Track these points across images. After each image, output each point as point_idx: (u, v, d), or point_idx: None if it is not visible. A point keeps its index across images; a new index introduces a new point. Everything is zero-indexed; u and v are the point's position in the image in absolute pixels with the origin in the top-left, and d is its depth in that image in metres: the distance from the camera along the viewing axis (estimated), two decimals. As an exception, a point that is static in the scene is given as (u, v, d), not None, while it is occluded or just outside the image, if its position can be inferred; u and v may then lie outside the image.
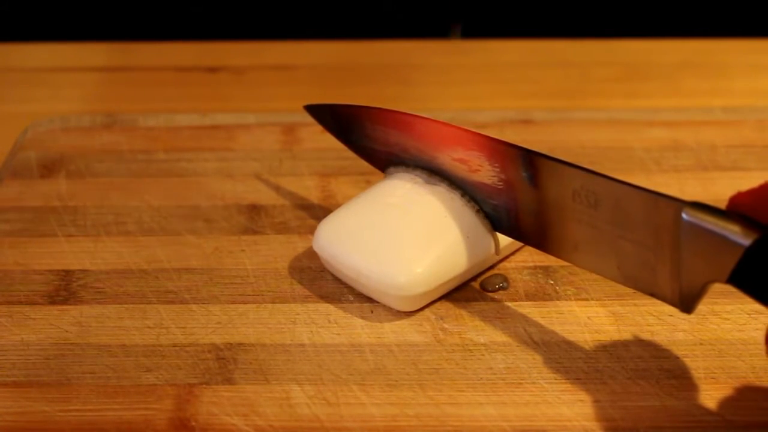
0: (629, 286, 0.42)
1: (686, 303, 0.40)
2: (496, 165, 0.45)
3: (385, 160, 0.50)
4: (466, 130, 0.45)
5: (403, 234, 0.46)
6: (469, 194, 0.47)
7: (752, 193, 0.39)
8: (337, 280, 0.48)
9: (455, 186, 0.47)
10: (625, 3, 0.82)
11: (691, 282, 0.40)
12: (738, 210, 0.39)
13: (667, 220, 0.39)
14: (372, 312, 0.46)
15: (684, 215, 0.39)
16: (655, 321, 0.45)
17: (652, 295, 0.42)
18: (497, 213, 0.46)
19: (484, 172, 0.46)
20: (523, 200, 0.45)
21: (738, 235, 0.37)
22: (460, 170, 0.46)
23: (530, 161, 0.43)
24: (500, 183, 0.45)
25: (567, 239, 0.44)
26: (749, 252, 0.37)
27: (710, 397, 0.42)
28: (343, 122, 0.51)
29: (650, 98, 0.67)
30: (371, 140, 0.50)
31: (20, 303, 0.47)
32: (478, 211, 0.47)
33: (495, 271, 0.49)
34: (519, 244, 0.49)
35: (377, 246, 0.46)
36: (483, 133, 0.45)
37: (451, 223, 0.46)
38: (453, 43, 0.75)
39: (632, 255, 0.41)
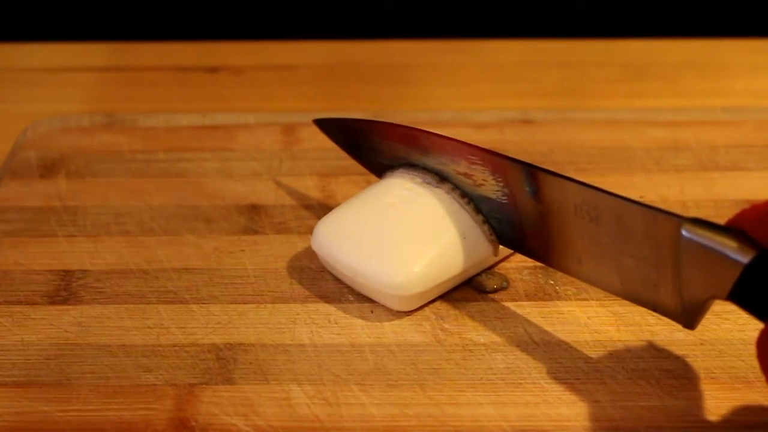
0: (632, 302, 0.43)
1: (688, 319, 0.40)
2: (500, 179, 0.45)
3: (389, 171, 0.50)
4: (470, 145, 0.45)
5: (401, 234, 0.46)
6: (476, 207, 0.47)
7: (756, 209, 0.39)
8: (337, 280, 0.48)
9: (453, 187, 0.47)
10: (625, 3, 0.82)
11: (693, 298, 0.40)
12: (741, 225, 0.39)
13: (666, 236, 0.39)
14: (372, 312, 0.46)
15: (683, 232, 0.39)
16: (655, 321, 0.45)
17: (655, 310, 0.42)
18: (502, 227, 0.46)
19: (488, 186, 0.46)
20: (527, 214, 0.45)
21: (737, 253, 0.37)
22: (466, 184, 0.47)
23: (532, 176, 0.43)
24: (504, 197, 0.45)
25: (570, 254, 0.44)
26: (748, 269, 0.37)
27: (710, 397, 0.42)
28: (350, 135, 0.51)
29: (650, 98, 0.67)
30: (378, 153, 0.50)
31: (20, 303, 0.47)
32: (476, 213, 0.47)
33: (495, 271, 0.49)
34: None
35: (374, 245, 0.46)
36: (486, 146, 0.45)
37: (448, 224, 0.46)
38: (453, 43, 0.74)
39: (634, 270, 0.41)
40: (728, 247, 0.38)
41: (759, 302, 0.38)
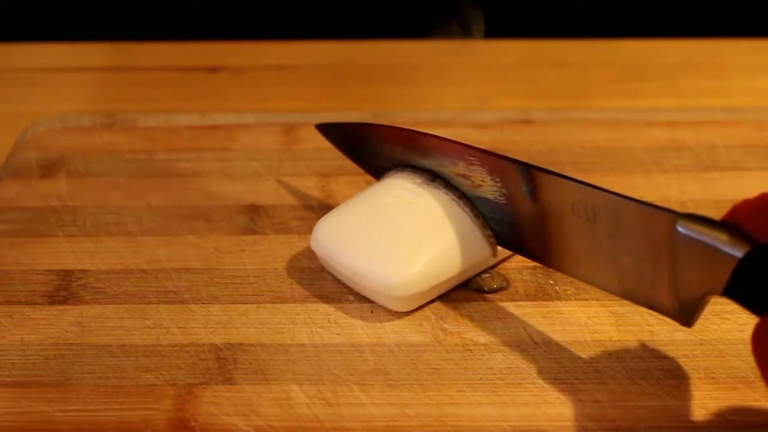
0: (630, 300, 0.43)
1: (685, 316, 0.40)
2: (497, 179, 0.45)
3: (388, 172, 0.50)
4: (467, 145, 0.46)
5: (399, 234, 0.46)
6: (475, 208, 0.47)
7: (748, 203, 0.39)
8: (337, 280, 0.48)
9: (452, 187, 0.47)
10: (625, 3, 0.82)
11: (689, 295, 0.40)
12: (735, 220, 0.39)
13: (662, 232, 0.39)
14: (372, 312, 0.46)
15: (678, 227, 0.39)
16: (655, 321, 0.45)
17: (652, 308, 0.42)
18: (501, 228, 0.46)
19: (486, 186, 0.46)
20: (525, 214, 0.45)
21: (731, 247, 0.38)
22: (465, 185, 0.47)
23: (529, 175, 0.44)
24: (502, 197, 0.45)
25: (569, 254, 0.44)
26: (743, 263, 0.37)
27: (710, 397, 0.42)
28: (351, 139, 0.51)
29: (650, 98, 0.67)
30: (378, 157, 0.50)
31: (20, 303, 0.47)
32: (475, 213, 0.47)
33: (495, 271, 0.49)
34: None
35: (373, 246, 0.46)
36: (486, 146, 0.45)
37: (447, 224, 0.46)
38: (453, 43, 0.75)
39: (631, 269, 0.41)
40: (722, 241, 0.38)
41: (754, 296, 0.38)
